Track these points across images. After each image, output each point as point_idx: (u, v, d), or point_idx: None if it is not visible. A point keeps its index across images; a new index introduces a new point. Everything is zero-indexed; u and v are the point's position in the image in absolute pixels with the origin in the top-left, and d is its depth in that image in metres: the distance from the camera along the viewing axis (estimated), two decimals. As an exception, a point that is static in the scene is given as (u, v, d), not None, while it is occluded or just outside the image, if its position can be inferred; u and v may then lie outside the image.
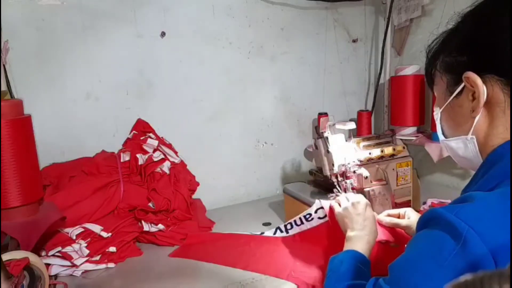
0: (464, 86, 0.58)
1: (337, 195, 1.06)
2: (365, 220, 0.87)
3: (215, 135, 1.47)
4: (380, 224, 0.95)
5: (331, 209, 0.99)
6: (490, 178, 0.55)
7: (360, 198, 0.95)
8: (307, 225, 1.06)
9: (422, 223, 0.54)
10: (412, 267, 0.51)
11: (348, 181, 1.10)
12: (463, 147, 0.62)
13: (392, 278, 0.53)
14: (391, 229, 0.96)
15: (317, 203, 1.04)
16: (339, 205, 0.95)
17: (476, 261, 0.44)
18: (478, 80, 0.56)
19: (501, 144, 0.56)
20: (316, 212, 1.04)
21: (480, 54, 0.57)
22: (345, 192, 1.10)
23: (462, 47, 0.59)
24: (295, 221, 1.09)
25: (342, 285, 0.67)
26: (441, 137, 0.68)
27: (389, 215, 0.97)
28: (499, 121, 0.57)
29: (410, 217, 0.92)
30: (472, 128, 0.59)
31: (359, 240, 0.83)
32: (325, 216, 1.02)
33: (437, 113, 0.67)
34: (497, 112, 0.56)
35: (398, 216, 0.96)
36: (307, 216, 1.06)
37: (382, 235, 0.94)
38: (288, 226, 1.11)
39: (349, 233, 0.86)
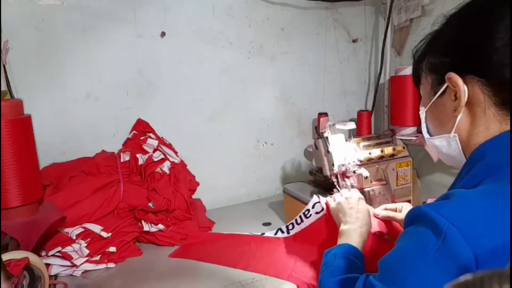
0: (447, 86, 0.60)
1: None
2: (358, 213, 0.90)
3: (215, 135, 1.47)
4: (376, 217, 0.96)
5: (327, 205, 1.01)
6: (473, 176, 0.57)
7: (353, 193, 0.98)
8: (306, 223, 1.07)
9: (409, 220, 0.56)
10: (399, 263, 0.53)
11: (348, 180, 1.10)
12: (446, 145, 0.64)
13: (381, 274, 0.55)
14: (387, 222, 0.97)
15: (314, 198, 1.05)
16: (334, 200, 0.98)
17: (457, 255, 0.46)
18: (459, 81, 0.58)
19: (482, 143, 0.58)
20: (313, 207, 1.05)
21: (461, 55, 0.59)
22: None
23: (446, 48, 0.62)
24: (296, 220, 1.10)
25: (336, 279, 0.69)
26: (426, 135, 0.70)
27: (386, 209, 0.98)
28: (480, 120, 0.58)
29: (406, 209, 0.94)
30: (455, 127, 0.61)
31: (352, 233, 0.85)
32: (322, 209, 1.03)
33: (422, 112, 0.69)
34: (477, 111, 0.58)
35: (395, 211, 0.98)
36: (306, 212, 1.07)
37: (377, 226, 0.95)
38: (290, 227, 1.12)
39: (342, 227, 0.88)
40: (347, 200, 0.94)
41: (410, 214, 0.56)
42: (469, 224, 0.47)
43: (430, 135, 0.69)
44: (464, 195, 0.51)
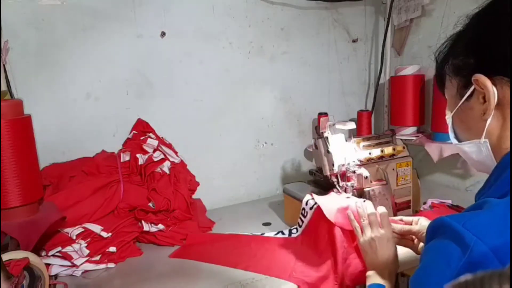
0: (475, 89, 0.58)
1: (338, 193, 1.07)
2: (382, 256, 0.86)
3: (215, 135, 1.47)
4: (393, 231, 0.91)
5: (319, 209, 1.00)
6: (503, 183, 0.54)
7: (384, 231, 0.87)
8: (305, 222, 1.07)
9: (431, 232, 0.54)
10: (425, 280, 0.51)
11: (349, 183, 1.10)
12: (476, 150, 0.61)
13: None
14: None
15: (307, 196, 1.07)
16: (361, 230, 0.90)
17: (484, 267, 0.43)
18: (488, 82, 0.55)
19: None
20: (306, 204, 1.06)
21: (487, 55, 0.56)
22: (345, 192, 1.10)
23: (470, 49, 0.59)
24: (298, 223, 1.11)
25: None
26: (454, 141, 0.67)
27: (402, 221, 0.94)
28: (510, 123, 0.55)
29: (422, 222, 0.90)
30: (485, 131, 0.58)
31: (376, 277, 0.83)
32: (315, 204, 1.03)
33: (448, 117, 0.66)
34: (508, 114, 0.55)
35: (411, 223, 0.93)
36: (303, 212, 1.08)
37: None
38: (294, 231, 1.12)
39: (368, 272, 0.86)
40: (371, 244, 0.87)
41: (432, 225, 0.54)
42: (497, 238, 0.45)
43: (458, 140, 0.66)
44: (493, 206, 0.48)
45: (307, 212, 1.07)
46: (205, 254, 1.07)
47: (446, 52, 0.64)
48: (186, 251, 1.09)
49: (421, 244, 0.88)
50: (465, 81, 0.59)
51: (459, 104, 0.62)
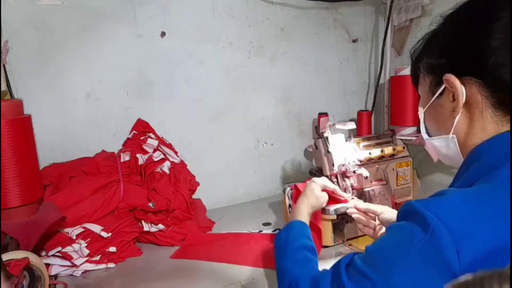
0: (445, 87, 0.60)
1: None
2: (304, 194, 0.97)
3: (215, 135, 1.47)
4: (357, 207, 0.96)
5: (297, 188, 1.09)
6: (469, 176, 0.57)
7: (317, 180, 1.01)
8: None
9: (401, 215, 0.57)
10: (386, 251, 0.55)
11: (348, 180, 1.10)
12: (445, 145, 0.65)
13: (367, 258, 0.57)
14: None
15: (287, 189, 1.16)
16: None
17: (442, 250, 0.47)
18: (457, 82, 0.58)
19: (478, 144, 0.58)
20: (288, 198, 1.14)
21: (458, 56, 0.59)
22: (345, 192, 1.10)
23: (443, 49, 0.61)
24: None
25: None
26: (425, 135, 0.70)
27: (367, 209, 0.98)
28: (477, 121, 0.59)
29: (386, 211, 0.92)
30: (453, 128, 0.61)
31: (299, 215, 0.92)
32: (291, 189, 1.14)
33: (421, 113, 0.69)
34: (475, 113, 0.58)
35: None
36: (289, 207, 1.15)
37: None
38: None
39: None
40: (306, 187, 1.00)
41: (402, 208, 0.57)
42: (456, 221, 0.48)
43: (429, 136, 0.69)
44: (455, 193, 0.52)
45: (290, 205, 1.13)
46: (206, 253, 1.07)
47: (420, 51, 0.67)
48: (186, 251, 1.09)
49: (382, 230, 0.91)
50: (437, 79, 0.62)
51: (430, 101, 0.65)
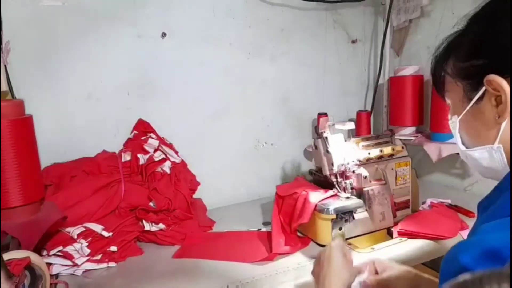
0: (485, 91, 0.54)
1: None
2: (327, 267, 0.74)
3: (215, 135, 1.48)
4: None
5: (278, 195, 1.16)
6: None
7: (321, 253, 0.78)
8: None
9: (447, 273, 0.47)
10: None
11: (348, 181, 1.11)
12: (488, 157, 0.57)
13: None
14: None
15: None
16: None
17: None
18: (504, 83, 0.51)
19: None
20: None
21: (498, 55, 0.53)
22: (344, 191, 1.11)
23: (477, 50, 0.56)
24: None
25: None
26: (461, 147, 0.63)
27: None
28: None
29: (386, 269, 0.79)
30: (499, 136, 0.54)
31: None
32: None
33: (454, 122, 0.62)
34: None
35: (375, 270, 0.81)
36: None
37: None
38: None
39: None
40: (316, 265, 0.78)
41: (448, 266, 0.48)
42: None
43: (466, 147, 0.62)
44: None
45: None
46: (206, 251, 1.08)
47: (445, 55, 0.61)
48: (188, 251, 1.10)
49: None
50: (474, 83, 0.56)
51: (467, 108, 0.58)
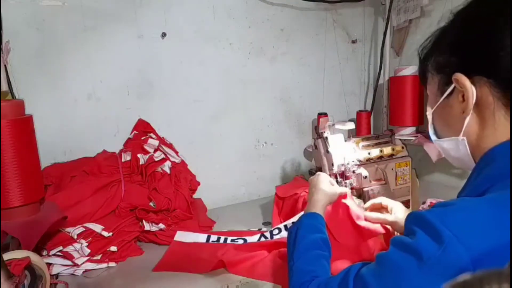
0: (455, 87, 0.58)
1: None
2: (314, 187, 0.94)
3: (215, 135, 1.48)
4: (367, 219, 0.95)
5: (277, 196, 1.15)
6: (482, 181, 0.55)
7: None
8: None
9: (410, 225, 0.54)
10: (396, 266, 0.52)
11: (348, 181, 1.10)
12: (454, 147, 0.62)
13: (376, 271, 0.55)
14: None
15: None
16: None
17: (455, 267, 0.45)
18: (467, 82, 0.55)
19: (491, 147, 0.56)
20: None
21: (468, 55, 0.56)
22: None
23: (452, 47, 0.59)
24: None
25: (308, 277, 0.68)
26: (433, 137, 0.67)
27: (373, 205, 0.98)
28: (489, 123, 0.56)
29: (397, 213, 0.93)
30: (463, 129, 0.58)
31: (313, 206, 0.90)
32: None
33: (429, 113, 0.66)
34: (486, 114, 0.56)
35: (381, 206, 0.97)
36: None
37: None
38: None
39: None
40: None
41: (412, 219, 0.54)
42: (474, 238, 0.45)
43: (438, 137, 0.66)
44: (470, 205, 0.49)
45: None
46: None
47: (429, 48, 0.64)
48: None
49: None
50: (446, 78, 0.59)
51: (439, 101, 0.62)
